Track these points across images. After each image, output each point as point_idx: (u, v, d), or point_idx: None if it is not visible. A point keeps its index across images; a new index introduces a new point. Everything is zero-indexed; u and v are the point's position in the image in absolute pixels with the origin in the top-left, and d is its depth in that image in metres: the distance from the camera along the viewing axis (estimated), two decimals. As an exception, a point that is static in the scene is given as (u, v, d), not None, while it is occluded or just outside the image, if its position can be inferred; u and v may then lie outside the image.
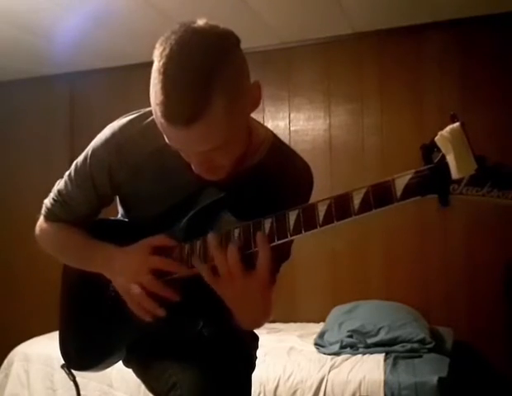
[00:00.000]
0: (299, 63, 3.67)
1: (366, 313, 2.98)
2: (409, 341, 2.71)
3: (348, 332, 2.85)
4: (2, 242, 4.24)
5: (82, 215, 1.26)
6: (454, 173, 0.80)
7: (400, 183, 0.85)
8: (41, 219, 1.31)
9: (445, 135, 0.81)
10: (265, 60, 3.63)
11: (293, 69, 3.67)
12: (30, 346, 3.17)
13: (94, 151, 1.17)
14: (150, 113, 1.03)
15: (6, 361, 3.16)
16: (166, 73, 0.90)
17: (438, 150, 0.83)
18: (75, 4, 2.97)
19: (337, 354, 2.74)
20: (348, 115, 3.58)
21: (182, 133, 0.92)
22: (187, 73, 0.89)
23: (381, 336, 2.77)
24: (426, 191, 0.84)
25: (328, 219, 0.91)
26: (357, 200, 0.88)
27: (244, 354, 1.35)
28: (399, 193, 0.85)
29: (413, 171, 0.85)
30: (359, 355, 2.71)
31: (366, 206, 0.87)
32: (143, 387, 2.66)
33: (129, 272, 1.13)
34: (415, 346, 2.69)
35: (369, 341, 2.78)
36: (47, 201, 1.29)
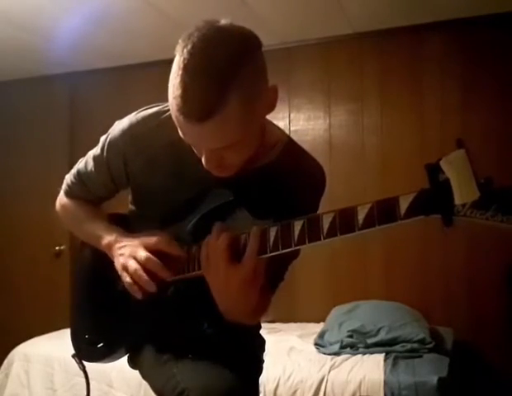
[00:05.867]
0: (299, 63, 3.67)
1: (366, 313, 2.98)
2: (409, 341, 2.71)
3: (348, 332, 2.85)
4: (2, 242, 4.24)
5: (98, 196, 1.34)
6: (457, 199, 0.81)
7: (405, 201, 0.86)
8: (61, 193, 1.38)
9: (449, 160, 0.82)
10: (265, 60, 3.63)
11: (293, 69, 3.67)
12: (30, 346, 3.17)
13: (111, 139, 1.22)
14: (168, 108, 1.07)
15: (6, 361, 3.16)
16: (186, 68, 0.92)
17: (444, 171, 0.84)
18: (75, 4, 2.97)
19: (337, 354, 2.75)
20: (348, 115, 3.58)
21: (196, 128, 0.94)
22: (206, 70, 0.91)
23: (381, 336, 2.77)
24: (430, 211, 0.85)
25: (332, 232, 0.93)
26: (361, 216, 0.90)
27: (253, 358, 1.36)
28: (403, 211, 0.86)
29: (418, 190, 0.86)
30: (359, 355, 2.71)
31: (370, 222, 0.89)
32: (143, 387, 2.67)
33: (128, 250, 1.17)
34: (415, 346, 2.69)
35: (369, 341, 2.78)
36: (68, 178, 1.35)
